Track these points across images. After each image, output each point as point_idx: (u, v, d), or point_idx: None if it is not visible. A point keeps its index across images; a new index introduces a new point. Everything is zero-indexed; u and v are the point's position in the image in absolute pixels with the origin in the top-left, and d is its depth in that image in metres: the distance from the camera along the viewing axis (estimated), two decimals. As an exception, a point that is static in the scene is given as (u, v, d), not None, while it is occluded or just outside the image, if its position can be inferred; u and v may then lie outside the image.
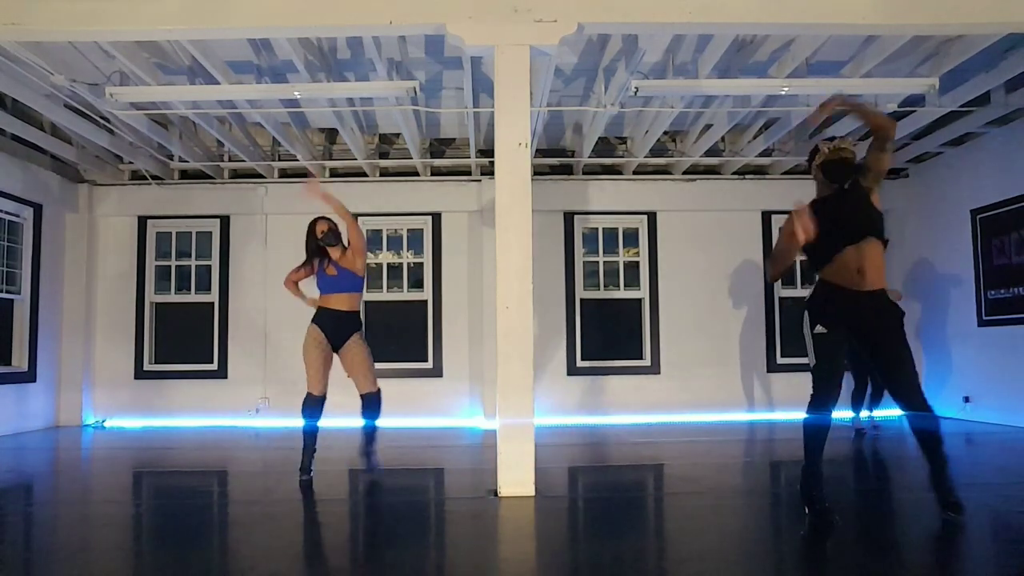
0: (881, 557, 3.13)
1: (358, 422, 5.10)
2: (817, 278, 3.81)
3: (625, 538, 3.56)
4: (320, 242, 5.04)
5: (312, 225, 5.10)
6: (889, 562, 3.11)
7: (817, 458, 3.68)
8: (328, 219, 5.10)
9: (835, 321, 3.64)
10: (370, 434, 5.12)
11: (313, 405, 4.93)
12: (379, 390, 5.09)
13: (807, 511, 3.65)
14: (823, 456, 3.67)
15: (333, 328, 4.99)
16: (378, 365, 8.65)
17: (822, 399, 3.63)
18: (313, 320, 5.02)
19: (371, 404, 5.06)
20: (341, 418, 8.09)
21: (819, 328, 3.64)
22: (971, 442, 6.75)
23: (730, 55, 6.14)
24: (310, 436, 4.96)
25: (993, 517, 3.90)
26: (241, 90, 6.22)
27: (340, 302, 5.02)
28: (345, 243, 5.12)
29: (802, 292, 9.24)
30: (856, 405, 7.11)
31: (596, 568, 3.08)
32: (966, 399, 8.10)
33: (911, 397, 3.59)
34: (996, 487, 4.59)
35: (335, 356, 5.05)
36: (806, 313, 3.74)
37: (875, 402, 7.18)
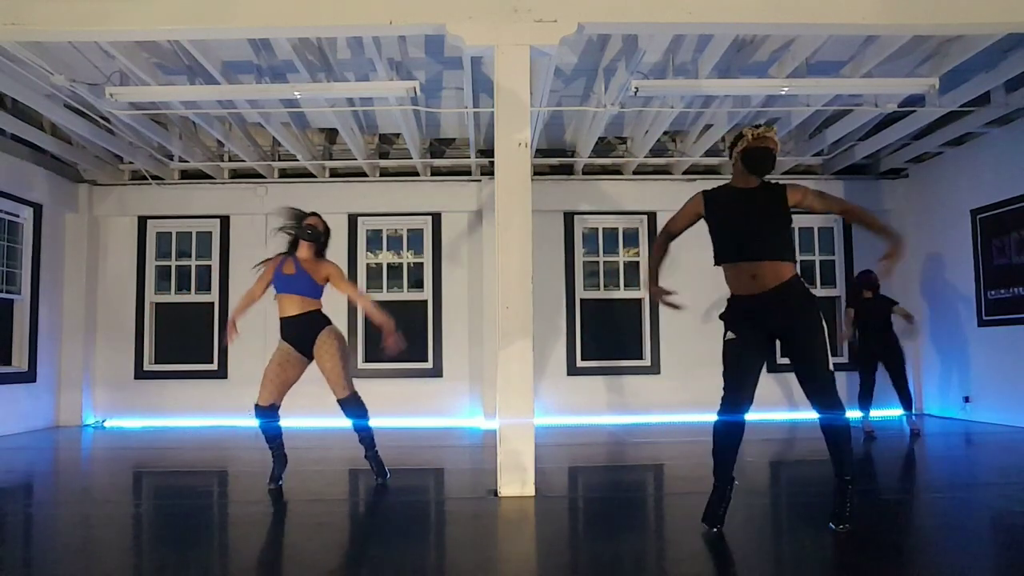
0: (880, 557, 3.13)
1: (350, 423, 5.01)
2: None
3: (625, 538, 3.56)
4: (299, 232, 4.81)
5: (302, 216, 4.89)
6: (888, 562, 3.11)
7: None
8: (321, 219, 4.91)
9: (739, 324, 3.48)
10: (363, 438, 4.84)
11: (258, 414, 4.68)
12: (351, 394, 4.74)
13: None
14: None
15: (295, 336, 4.71)
16: (378, 365, 8.85)
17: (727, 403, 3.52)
18: (281, 336, 4.77)
19: (346, 410, 4.77)
20: (340, 418, 8.11)
21: (729, 333, 3.48)
22: (971, 442, 6.75)
23: (730, 55, 6.14)
24: (269, 440, 4.73)
25: (993, 517, 3.90)
26: (241, 90, 6.22)
27: (292, 305, 4.71)
28: (328, 261, 4.87)
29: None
30: (864, 406, 7.07)
31: (596, 568, 3.08)
32: (966, 399, 8.10)
33: (821, 395, 3.39)
34: (996, 487, 4.59)
35: (308, 365, 4.76)
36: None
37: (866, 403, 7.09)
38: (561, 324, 8.93)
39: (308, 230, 4.81)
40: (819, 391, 3.37)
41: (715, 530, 3.46)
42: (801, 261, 9.25)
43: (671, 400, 8.76)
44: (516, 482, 4.36)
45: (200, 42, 5.59)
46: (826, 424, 3.40)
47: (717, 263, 3.62)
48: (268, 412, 4.68)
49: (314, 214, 4.92)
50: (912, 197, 9.03)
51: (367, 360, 8.86)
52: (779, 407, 8.77)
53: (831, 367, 3.37)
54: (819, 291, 9.25)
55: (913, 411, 7.16)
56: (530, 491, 4.35)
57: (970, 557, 3.19)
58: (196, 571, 3.12)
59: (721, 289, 3.62)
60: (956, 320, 8.27)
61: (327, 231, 4.94)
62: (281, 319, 4.75)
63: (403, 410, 8.43)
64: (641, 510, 4.34)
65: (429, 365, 8.89)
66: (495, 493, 4.36)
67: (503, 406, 4.45)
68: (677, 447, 6.64)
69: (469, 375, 8.83)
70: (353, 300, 4.93)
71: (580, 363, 8.94)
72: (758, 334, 3.46)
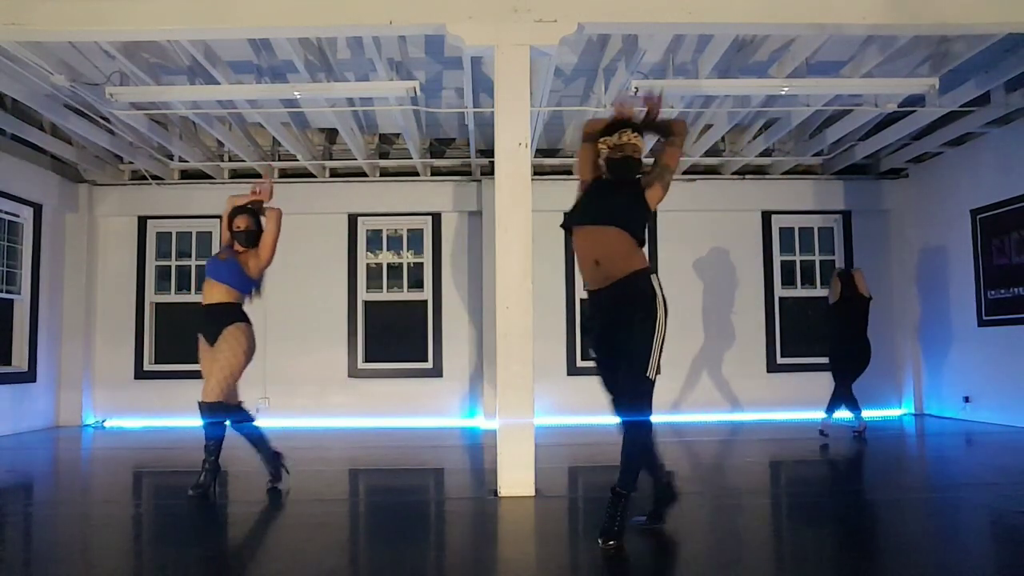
0: (880, 557, 3.13)
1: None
2: None
3: (625, 538, 3.55)
4: (234, 235, 4.57)
5: (232, 214, 4.59)
6: (888, 562, 3.11)
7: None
8: (250, 217, 4.60)
9: (592, 337, 3.46)
10: (252, 439, 4.62)
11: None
12: (218, 402, 4.34)
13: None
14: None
15: (205, 325, 4.45)
16: (378, 365, 8.85)
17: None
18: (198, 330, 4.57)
19: (203, 414, 4.39)
20: (340, 418, 8.11)
21: (591, 352, 3.45)
22: (971, 442, 6.76)
23: (730, 55, 6.13)
24: (250, 441, 4.63)
25: (993, 517, 3.90)
26: (241, 90, 6.22)
27: (214, 293, 4.44)
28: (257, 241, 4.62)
29: (802, 292, 9.24)
30: (851, 406, 6.97)
31: (596, 568, 3.08)
32: (966, 399, 8.09)
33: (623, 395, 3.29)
34: (996, 487, 4.59)
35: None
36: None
37: (835, 405, 6.91)
38: (561, 324, 8.93)
39: (243, 236, 4.57)
40: (628, 392, 3.25)
41: (611, 543, 3.18)
42: (801, 261, 9.27)
43: (672, 400, 8.75)
44: (516, 482, 4.36)
45: (200, 42, 5.59)
46: (623, 430, 3.28)
47: (564, 225, 3.46)
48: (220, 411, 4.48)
49: (243, 212, 4.60)
50: (912, 197, 9.03)
51: (367, 360, 8.85)
52: (779, 407, 8.77)
53: (648, 376, 3.20)
54: (819, 291, 9.26)
55: (831, 415, 6.86)
56: (530, 491, 4.35)
57: (970, 557, 3.19)
58: (196, 571, 3.12)
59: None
60: (956, 320, 8.27)
61: (260, 228, 4.64)
62: (201, 307, 4.52)
63: (403, 410, 8.41)
64: (641, 510, 4.33)
65: (429, 365, 8.88)
66: (495, 493, 4.36)
67: (503, 406, 4.45)
68: (676, 447, 6.64)
69: (469, 375, 8.83)
70: (272, 230, 4.59)
71: (580, 363, 8.94)
72: (606, 346, 3.36)
